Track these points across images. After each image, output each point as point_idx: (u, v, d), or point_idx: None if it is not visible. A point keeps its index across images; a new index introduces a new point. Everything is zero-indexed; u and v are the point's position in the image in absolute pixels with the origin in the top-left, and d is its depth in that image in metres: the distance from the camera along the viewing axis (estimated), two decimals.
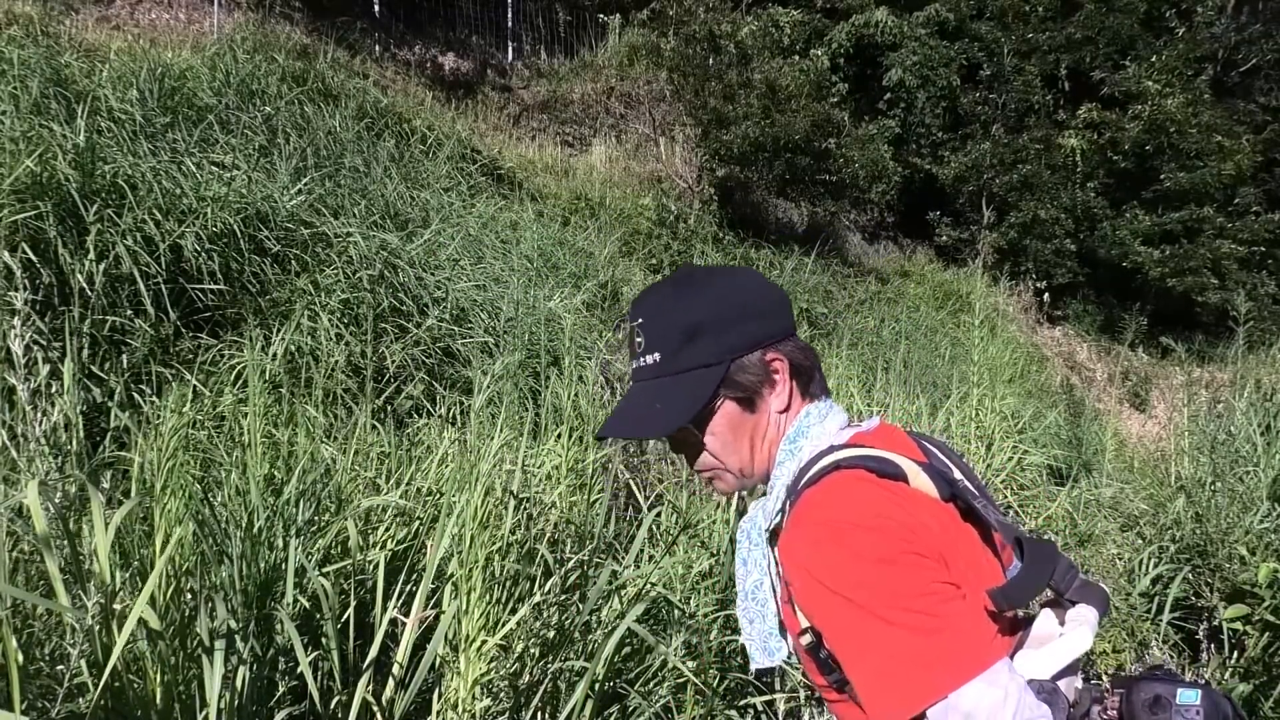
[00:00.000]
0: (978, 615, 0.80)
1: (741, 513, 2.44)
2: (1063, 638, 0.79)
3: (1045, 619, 0.83)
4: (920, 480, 0.86)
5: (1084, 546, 3.75)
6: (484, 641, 1.81)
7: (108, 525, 1.44)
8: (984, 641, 0.77)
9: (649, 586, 2.19)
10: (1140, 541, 3.78)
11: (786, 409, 0.96)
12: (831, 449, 0.91)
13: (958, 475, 0.94)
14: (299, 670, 1.66)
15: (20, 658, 1.43)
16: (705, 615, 2.28)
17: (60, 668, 1.48)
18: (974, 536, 0.87)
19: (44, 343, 2.74)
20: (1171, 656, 3.11)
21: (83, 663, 1.48)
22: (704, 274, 1.00)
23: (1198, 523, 3.54)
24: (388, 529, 2.26)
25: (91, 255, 3.17)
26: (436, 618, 1.83)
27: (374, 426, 2.93)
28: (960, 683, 0.74)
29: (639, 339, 0.96)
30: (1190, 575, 3.34)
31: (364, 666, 1.70)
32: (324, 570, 1.92)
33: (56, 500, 1.62)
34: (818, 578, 0.81)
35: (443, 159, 7.01)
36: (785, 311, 0.97)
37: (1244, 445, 3.95)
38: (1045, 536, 3.47)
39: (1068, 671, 0.79)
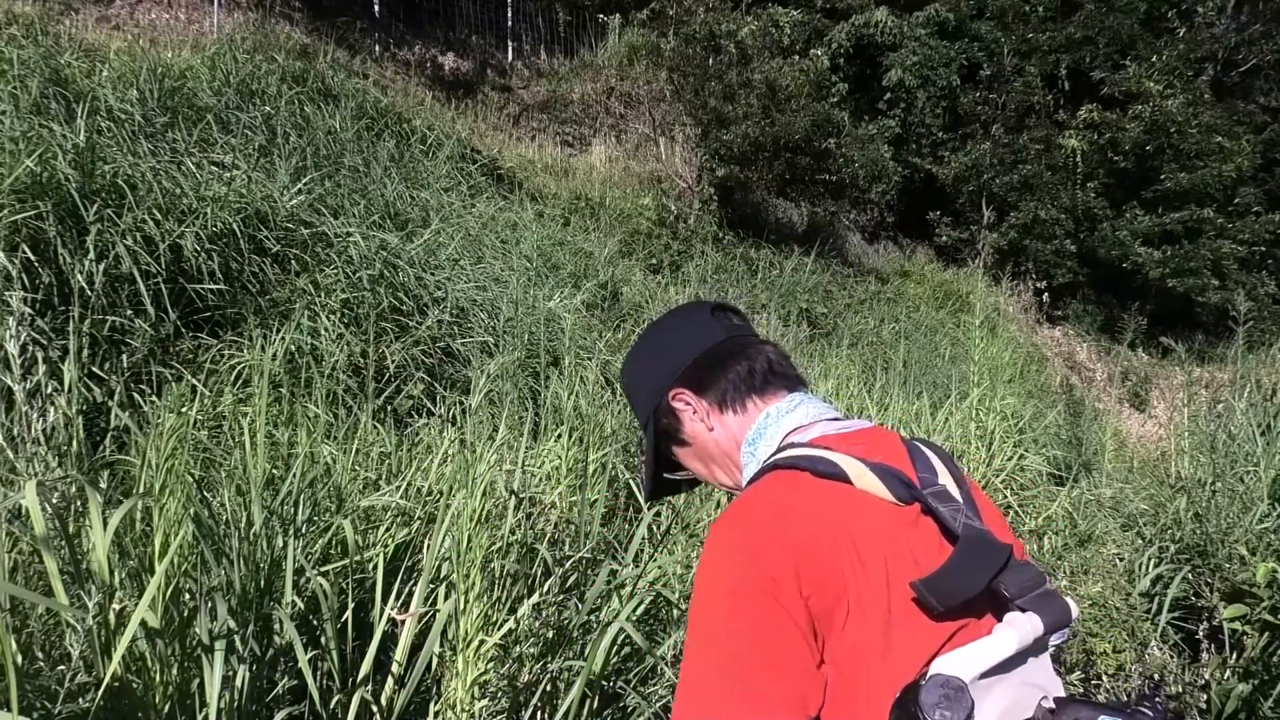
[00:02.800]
0: (789, 673, 0.77)
1: None
2: (982, 640, 0.75)
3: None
4: (866, 480, 0.84)
5: (1084, 546, 3.75)
6: (482, 641, 1.81)
7: (106, 525, 1.44)
8: (776, 699, 0.76)
9: (647, 586, 2.19)
10: (1140, 541, 3.78)
11: (714, 427, 1.00)
12: (793, 445, 0.91)
13: (941, 481, 0.89)
14: (298, 670, 1.66)
15: (20, 659, 1.43)
16: None
17: (61, 668, 1.48)
18: (932, 535, 0.84)
19: (44, 342, 2.74)
20: (1172, 656, 3.11)
21: (81, 663, 1.48)
22: (639, 336, 1.10)
23: (1198, 523, 3.54)
24: (387, 529, 2.26)
25: (91, 255, 3.17)
26: (433, 617, 1.83)
27: (374, 426, 2.93)
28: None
29: None
30: (1190, 575, 3.34)
31: (364, 667, 1.70)
32: (323, 570, 1.92)
33: (55, 501, 1.62)
34: (696, 578, 0.85)
35: (443, 159, 7.01)
36: (683, 340, 1.02)
37: (1244, 445, 3.95)
38: (1044, 536, 3.47)
39: (994, 672, 0.74)
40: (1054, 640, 0.81)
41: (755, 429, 0.97)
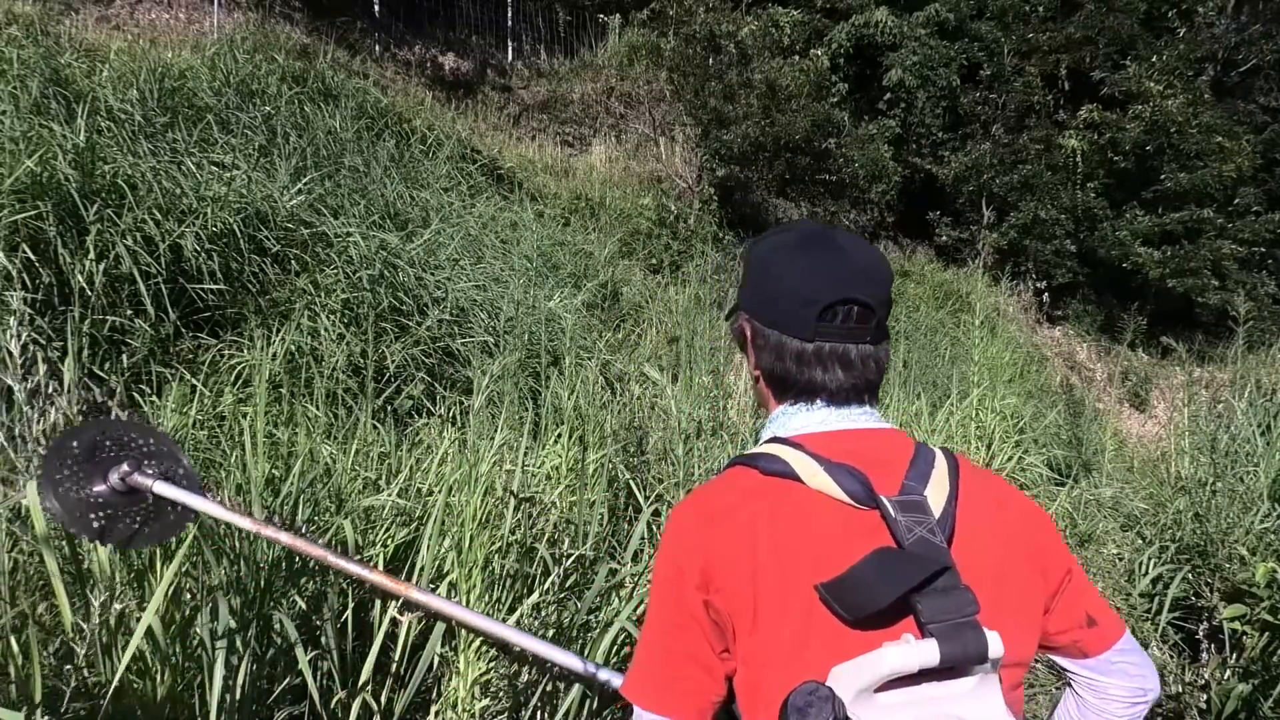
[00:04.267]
0: (672, 659, 0.86)
1: None
2: (864, 655, 0.74)
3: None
4: (819, 480, 0.83)
5: (1084, 546, 3.75)
6: (483, 641, 1.81)
7: None
8: (661, 683, 0.86)
9: (646, 585, 2.19)
10: (1140, 541, 3.78)
11: (764, 381, 0.98)
12: (774, 440, 0.92)
13: (926, 492, 0.84)
14: (299, 670, 1.66)
15: (20, 660, 1.43)
16: None
17: (67, 668, 1.48)
18: (886, 543, 0.81)
19: (44, 342, 2.74)
20: (1172, 656, 3.11)
21: (85, 662, 1.48)
22: (792, 238, 0.98)
23: (1198, 523, 3.54)
24: (387, 529, 2.26)
25: (91, 255, 3.17)
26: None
27: (374, 426, 2.93)
28: (642, 706, 0.86)
29: None
30: (1190, 575, 3.34)
31: (364, 671, 1.70)
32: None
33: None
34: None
35: (443, 159, 7.01)
36: (780, 301, 0.92)
37: (1244, 445, 3.95)
38: None
39: (896, 688, 0.73)
40: (978, 671, 0.75)
41: (774, 415, 0.97)
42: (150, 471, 1.46)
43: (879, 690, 0.73)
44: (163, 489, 1.44)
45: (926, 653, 0.72)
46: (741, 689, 0.84)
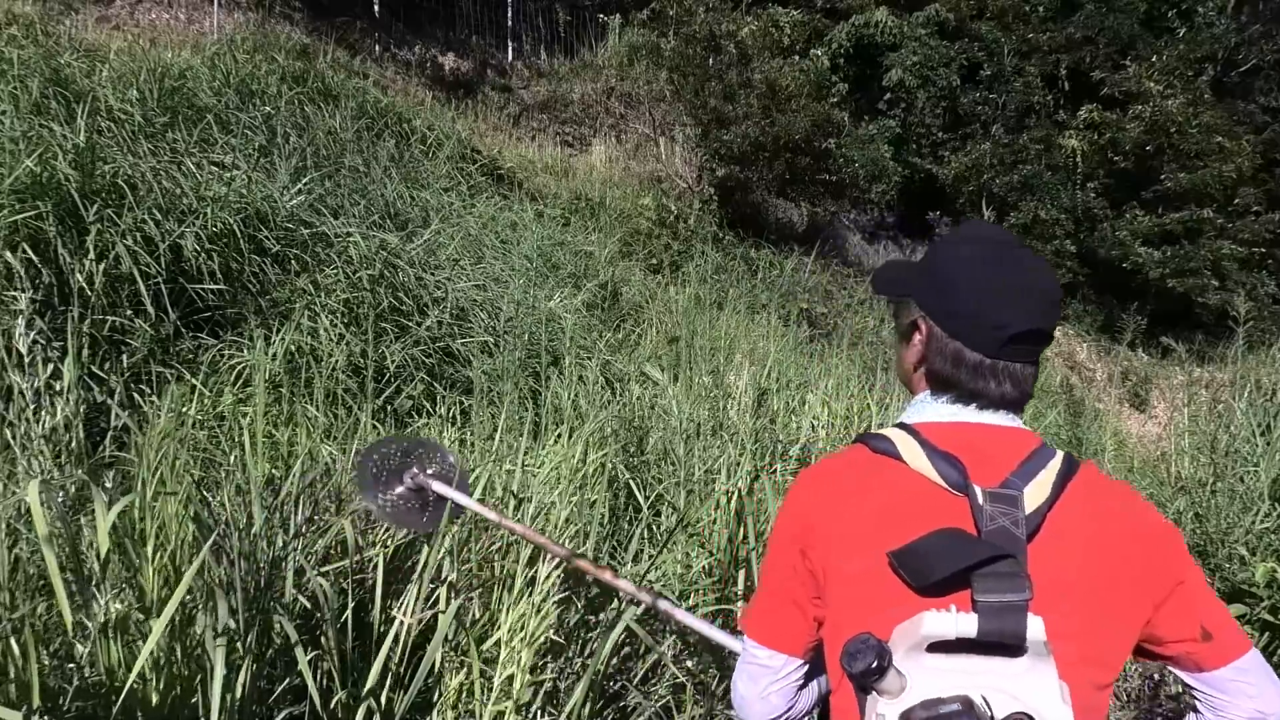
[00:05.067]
0: (778, 602, 1.00)
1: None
2: (910, 618, 0.81)
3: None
4: (920, 463, 0.92)
5: None
6: (483, 641, 1.82)
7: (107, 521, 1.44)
8: (768, 622, 1.02)
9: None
10: None
11: (925, 373, 1.03)
12: (899, 425, 1.01)
13: (1026, 490, 0.89)
14: (299, 669, 1.66)
15: (20, 661, 1.43)
16: (705, 613, 2.28)
17: (69, 666, 1.48)
18: (965, 523, 0.88)
19: (44, 342, 2.74)
20: None
21: (87, 660, 1.48)
22: (981, 248, 1.03)
23: (1198, 523, 3.54)
24: (387, 529, 2.26)
25: (91, 255, 3.17)
26: (435, 618, 1.83)
27: (374, 426, 2.93)
28: (752, 638, 1.03)
29: None
30: None
31: (370, 678, 1.70)
32: (323, 570, 1.93)
33: (58, 500, 1.62)
34: None
35: (443, 159, 7.02)
36: (965, 313, 0.97)
37: (1244, 445, 3.95)
38: None
39: (944, 652, 0.80)
40: (1031, 654, 0.79)
41: (914, 401, 1.05)
42: (431, 471, 1.85)
43: (930, 651, 0.80)
44: (439, 487, 1.80)
45: (965, 625, 0.79)
46: (826, 636, 0.96)
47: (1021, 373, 0.98)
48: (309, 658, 1.67)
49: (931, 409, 1.00)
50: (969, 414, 0.98)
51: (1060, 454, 0.95)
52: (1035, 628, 0.79)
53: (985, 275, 0.97)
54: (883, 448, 0.95)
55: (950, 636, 0.79)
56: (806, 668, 1.03)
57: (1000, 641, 0.79)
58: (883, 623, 0.84)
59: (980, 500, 0.88)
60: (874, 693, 0.80)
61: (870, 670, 0.77)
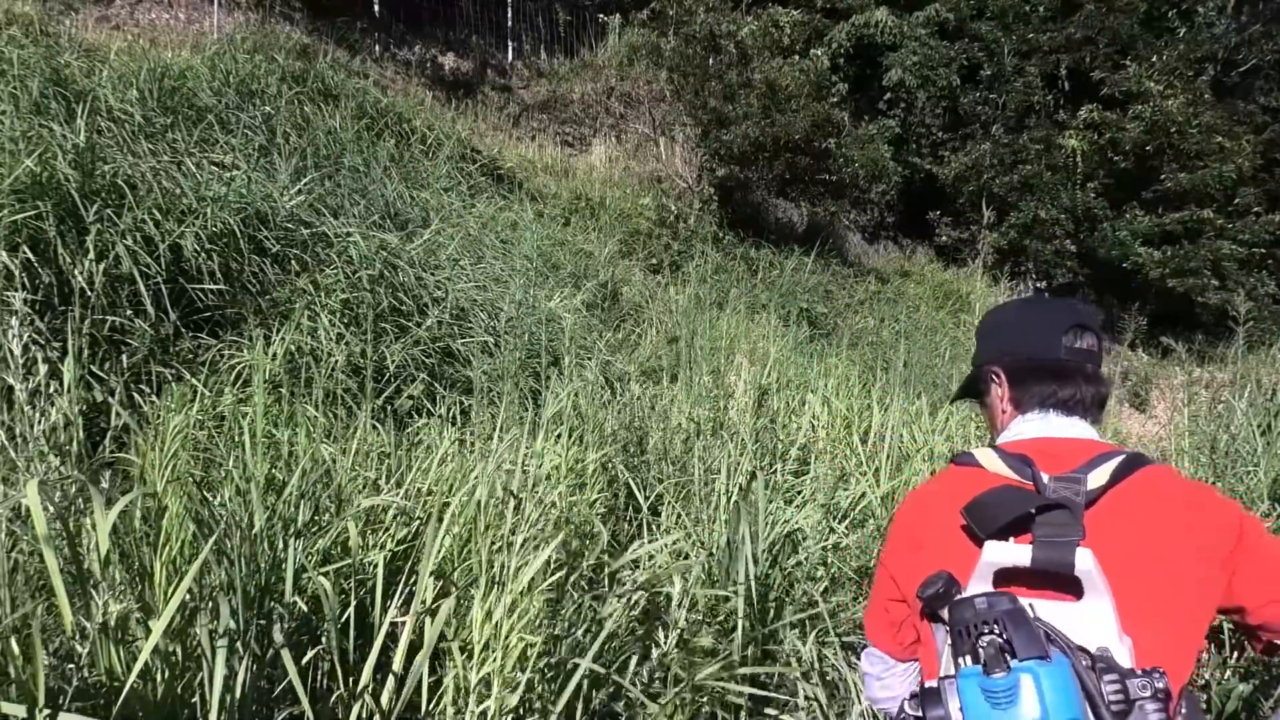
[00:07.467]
0: (875, 608, 1.20)
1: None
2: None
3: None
4: (995, 465, 1.07)
5: None
6: (482, 640, 1.81)
7: (106, 522, 1.44)
8: (878, 629, 1.19)
9: (645, 584, 2.19)
10: None
11: (1009, 401, 1.19)
12: (988, 445, 1.15)
13: (1089, 477, 1.00)
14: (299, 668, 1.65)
15: (21, 660, 1.43)
16: (704, 612, 2.28)
17: (69, 666, 1.48)
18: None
19: (43, 342, 2.74)
20: None
21: (87, 660, 1.48)
22: (1018, 302, 1.31)
23: None
24: (388, 529, 2.26)
25: (91, 255, 3.16)
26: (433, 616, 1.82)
27: (374, 426, 2.93)
28: (866, 635, 1.22)
29: None
30: None
31: (364, 675, 1.70)
32: (324, 570, 1.93)
33: (56, 500, 1.62)
34: None
35: (442, 159, 7.01)
36: (1029, 338, 1.17)
37: (1244, 445, 3.94)
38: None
39: (1004, 584, 0.93)
40: (1088, 596, 0.89)
41: (1008, 428, 1.18)
42: None
43: (996, 583, 0.92)
44: None
45: (1019, 553, 0.91)
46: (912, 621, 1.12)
47: (1091, 371, 1.13)
48: (309, 656, 1.66)
49: (1013, 431, 1.15)
50: (1046, 427, 1.11)
51: (1128, 453, 1.04)
52: (1085, 558, 0.88)
53: (1027, 310, 1.24)
54: (965, 460, 1.11)
55: (1008, 564, 0.90)
56: (913, 664, 1.17)
57: (1052, 570, 0.89)
58: (957, 572, 0.95)
59: (1045, 481, 1.00)
60: (944, 625, 0.90)
61: (938, 595, 0.89)
